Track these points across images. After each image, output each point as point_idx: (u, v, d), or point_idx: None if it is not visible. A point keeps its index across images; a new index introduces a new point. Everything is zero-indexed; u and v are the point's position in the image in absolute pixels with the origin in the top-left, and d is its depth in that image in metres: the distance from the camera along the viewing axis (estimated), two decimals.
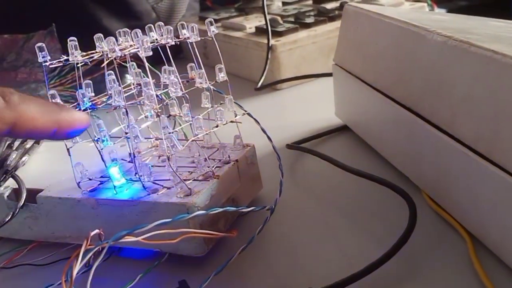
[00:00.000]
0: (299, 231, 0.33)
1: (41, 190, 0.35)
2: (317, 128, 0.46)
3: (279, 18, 0.66)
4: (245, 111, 0.35)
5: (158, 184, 0.31)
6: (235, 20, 0.70)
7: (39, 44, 0.32)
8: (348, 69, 0.43)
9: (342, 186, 0.37)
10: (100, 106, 0.33)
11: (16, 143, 0.40)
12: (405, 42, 0.35)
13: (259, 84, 0.57)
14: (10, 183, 0.36)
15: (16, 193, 0.35)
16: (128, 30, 0.34)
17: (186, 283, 0.27)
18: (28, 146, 0.41)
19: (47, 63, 0.32)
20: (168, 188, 0.30)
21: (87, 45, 0.63)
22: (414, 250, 0.28)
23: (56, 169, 0.37)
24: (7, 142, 0.41)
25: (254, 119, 0.35)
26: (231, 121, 0.33)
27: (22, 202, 0.34)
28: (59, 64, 0.32)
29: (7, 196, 0.35)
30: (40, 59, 0.32)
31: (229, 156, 0.34)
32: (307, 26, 0.61)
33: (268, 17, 0.62)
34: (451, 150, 0.29)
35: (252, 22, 0.68)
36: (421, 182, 0.33)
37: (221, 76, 0.33)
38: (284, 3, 0.76)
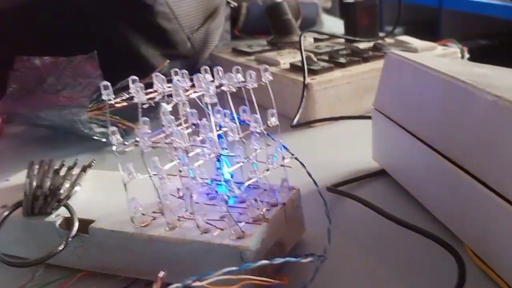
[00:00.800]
0: (345, 280, 0.33)
1: (91, 221, 0.36)
2: (354, 170, 0.47)
3: (312, 55, 0.68)
4: (292, 154, 0.36)
5: (211, 224, 0.32)
6: (268, 54, 0.72)
7: (105, 82, 0.33)
8: (389, 115, 0.44)
9: (385, 234, 0.38)
10: (159, 145, 0.34)
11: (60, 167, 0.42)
12: (453, 97, 0.36)
13: (295, 121, 0.58)
14: (61, 211, 0.37)
15: (67, 222, 0.37)
16: (186, 71, 0.35)
17: None
18: (74, 172, 0.42)
19: (112, 101, 0.33)
20: (221, 229, 0.31)
21: (122, 69, 0.65)
22: None
23: (104, 200, 0.38)
24: (54, 168, 0.42)
25: (301, 163, 0.37)
26: (281, 165, 0.34)
27: (74, 232, 0.35)
28: (123, 103, 0.34)
29: (59, 225, 0.36)
30: (104, 97, 0.33)
31: (276, 199, 0.35)
32: (342, 65, 0.63)
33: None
34: (499, 209, 0.30)
35: (286, 57, 0.69)
36: (465, 236, 0.34)
37: (273, 120, 0.35)
38: (316, 39, 0.78)
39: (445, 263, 0.32)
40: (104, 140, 0.61)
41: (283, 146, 0.35)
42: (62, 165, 0.43)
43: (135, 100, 0.34)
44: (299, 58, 0.68)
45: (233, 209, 0.34)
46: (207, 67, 0.36)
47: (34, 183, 0.38)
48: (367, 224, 0.39)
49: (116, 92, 0.67)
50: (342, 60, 0.64)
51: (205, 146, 0.32)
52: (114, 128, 0.33)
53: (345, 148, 0.54)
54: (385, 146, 0.45)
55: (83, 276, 0.36)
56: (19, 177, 0.45)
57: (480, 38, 2.53)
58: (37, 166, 0.43)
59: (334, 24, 1.37)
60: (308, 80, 0.60)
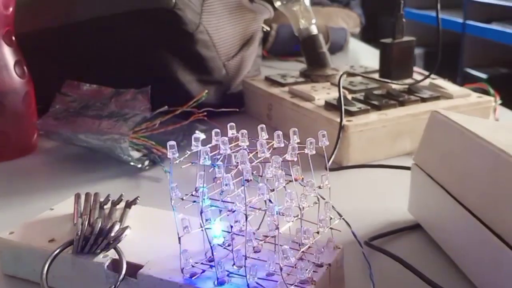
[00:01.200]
0: None
1: (139, 265, 0.37)
2: (388, 221, 0.48)
3: (347, 92, 0.69)
4: (341, 215, 0.37)
5: (260, 285, 0.33)
6: (302, 88, 0.73)
7: (171, 142, 0.34)
8: (429, 173, 0.45)
9: None
10: (218, 205, 0.35)
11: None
12: (503, 171, 0.36)
13: (329, 163, 0.59)
14: (109, 252, 0.38)
15: (114, 263, 0.38)
16: (245, 131, 0.36)
17: None
18: (119, 206, 0.43)
19: (176, 161, 0.34)
20: None
21: (159, 94, 0.67)
22: None
23: (152, 242, 0.39)
24: (99, 203, 0.43)
25: (347, 222, 0.38)
26: (330, 228, 0.35)
27: (123, 275, 0.36)
28: (188, 163, 0.34)
29: (107, 266, 0.37)
30: (169, 155, 0.34)
31: (319, 259, 0.35)
32: (378, 108, 0.64)
33: (336, 90, 0.64)
34: None
35: (320, 93, 0.70)
36: None
37: (326, 184, 0.36)
38: (348, 74, 0.79)
39: None
40: (139, 166, 0.62)
41: (332, 207, 0.36)
42: (107, 200, 0.45)
43: (201, 162, 0.34)
44: (334, 94, 0.69)
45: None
46: (264, 126, 0.37)
47: (86, 223, 0.39)
48: (403, 285, 0.40)
49: (154, 118, 0.69)
50: (378, 102, 0.64)
51: (261, 209, 0.33)
52: (173, 184, 0.34)
53: (379, 196, 0.55)
54: (423, 202, 0.46)
55: None
56: (63, 207, 0.47)
57: (501, 66, 2.53)
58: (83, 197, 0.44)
59: (360, 49, 1.38)
60: (344, 121, 0.60)
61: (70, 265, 0.38)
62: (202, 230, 0.35)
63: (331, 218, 0.36)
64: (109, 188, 0.54)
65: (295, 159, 0.34)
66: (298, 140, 0.36)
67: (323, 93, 0.70)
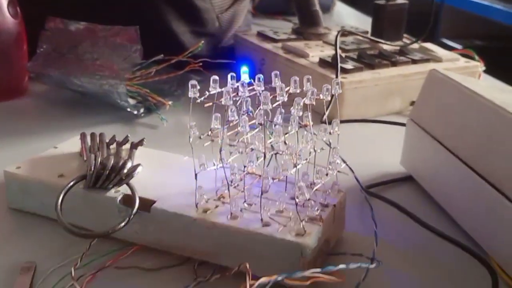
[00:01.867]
0: (383, 278, 0.37)
1: (152, 200, 0.38)
2: (381, 173, 0.51)
3: (340, 51, 0.70)
4: (345, 161, 0.39)
5: (274, 220, 0.35)
6: (296, 44, 0.74)
7: (193, 81, 0.35)
8: (425, 128, 0.47)
9: (417, 240, 0.41)
10: (235, 144, 0.36)
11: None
12: (498, 124, 0.39)
13: (325, 117, 0.61)
14: (121, 188, 0.39)
15: (126, 199, 0.39)
16: (261, 76, 0.37)
17: None
18: (125, 147, 0.44)
19: (197, 100, 0.35)
20: (284, 226, 0.34)
21: (151, 43, 0.66)
22: None
23: (161, 180, 0.41)
24: (105, 143, 0.44)
25: (350, 168, 0.40)
26: (338, 171, 0.37)
27: (135, 209, 0.37)
28: (209, 102, 0.35)
29: (119, 201, 0.39)
30: (190, 94, 0.35)
31: (325, 200, 0.37)
32: (371, 67, 0.65)
33: (330, 48, 0.66)
34: None
35: (314, 50, 0.72)
36: (495, 252, 0.37)
37: (336, 130, 0.37)
38: (344, 32, 0.79)
39: (475, 275, 0.36)
40: (135, 112, 0.62)
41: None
42: (113, 140, 0.45)
43: (223, 102, 0.35)
44: (327, 52, 0.71)
45: (288, 206, 0.37)
46: (277, 72, 0.38)
47: (99, 159, 0.40)
48: (398, 228, 0.42)
49: (149, 66, 0.69)
50: (371, 62, 0.66)
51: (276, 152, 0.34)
52: (192, 123, 0.35)
53: (372, 150, 0.57)
54: (417, 155, 0.49)
55: (137, 250, 0.38)
56: (67, 146, 0.47)
57: (476, 38, 2.58)
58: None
59: (345, 12, 1.39)
60: (339, 78, 0.62)
61: (81, 200, 0.39)
62: (219, 168, 0.36)
63: (337, 163, 0.38)
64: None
65: (314, 103, 0.35)
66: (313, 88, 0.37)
67: (316, 51, 0.71)
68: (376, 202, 0.45)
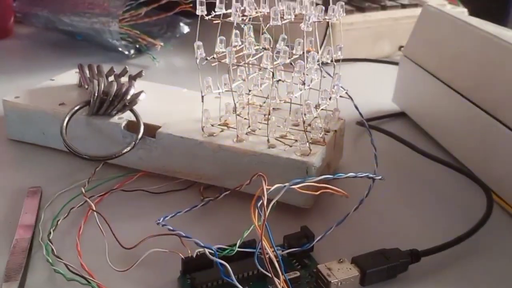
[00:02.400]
0: (385, 197, 0.38)
1: (156, 126, 0.38)
2: (374, 110, 0.52)
3: None
4: (345, 90, 0.40)
5: (279, 141, 0.36)
6: None
7: None
8: (419, 63, 0.48)
9: (413, 166, 0.43)
10: (243, 64, 0.36)
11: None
12: (493, 52, 0.40)
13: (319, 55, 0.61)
14: (124, 115, 0.40)
15: (130, 125, 0.39)
16: None
17: (308, 228, 0.32)
18: (123, 79, 0.44)
19: (206, 18, 0.35)
20: (290, 146, 0.35)
21: None
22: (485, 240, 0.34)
23: (164, 109, 0.41)
24: (115, 73, 0.44)
25: (350, 97, 0.40)
26: (341, 96, 0.38)
27: (140, 134, 0.38)
28: (217, 20, 0.35)
29: (123, 127, 0.39)
30: (198, 12, 0.35)
31: (327, 125, 0.38)
32: (362, 10, 0.66)
33: None
34: None
35: None
36: (491, 180, 0.38)
37: (339, 54, 0.38)
38: None
39: (472, 196, 0.37)
40: (126, 52, 0.62)
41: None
42: (112, 71, 0.45)
43: (232, 19, 0.35)
44: None
45: (293, 130, 0.37)
46: None
47: (102, 86, 0.39)
48: (394, 156, 0.44)
49: (139, 7, 0.67)
50: (362, 5, 0.66)
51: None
52: (199, 43, 0.35)
53: (363, 88, 0.58)
54: (410, 91, 0.50)
55: (143, 176, 0.39)
56: (64, 78, 0.47)
57: None
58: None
59: None
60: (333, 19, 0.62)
61: (84, 127, 0.39)
62: (224, 91, 0.36)
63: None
64: None
65: (310, 28, 0.35)
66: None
67: None
68: (368, 136, 0.46)
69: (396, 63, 0.63)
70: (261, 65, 0.35)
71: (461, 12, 0.72)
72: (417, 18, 0.50)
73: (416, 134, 0.48)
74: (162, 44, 0.63)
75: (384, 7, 0.67)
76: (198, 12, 0.35)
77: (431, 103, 0.46)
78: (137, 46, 0.64)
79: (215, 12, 0.35)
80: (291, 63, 0.36)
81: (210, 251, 0.28)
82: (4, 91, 0.44)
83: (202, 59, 0.35)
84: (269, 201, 0.27)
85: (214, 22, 0.35)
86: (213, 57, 0.36)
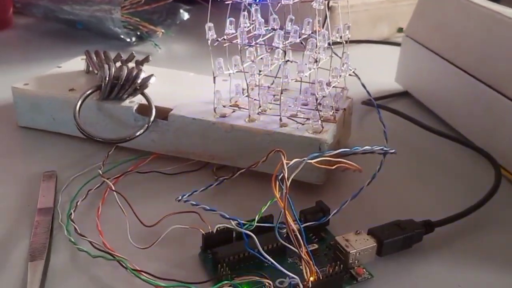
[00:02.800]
0: (394, 172, 0.39)
1: (168, 109, 0.39)
2: (378, 90, 0.52)
3: None
4: (353, 69, 0.40)
5: (292, 119, 0.36)
6: None
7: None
8: (422, 42, 0.48)
9: (421, 143, 0.43)
10: (255, 44, 0.36)
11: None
12: (496, 29, 0.41)
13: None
14: (135, 99, 0.40)
15: (141, 108, 0.39)
16: None
17: (323, 203, 0.32)
18: (130, 65, 0.44)
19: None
20: (302, 124, 0.36)
21: None
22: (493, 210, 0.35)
23: (173, 92, 0.41)
24: (122, 58, 0.44)
25: (357, 75, 0.41)
26: (350, 75, 0.39)
27: (153, 117, 0.38)
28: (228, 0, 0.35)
29: (135, 110, 0.39)
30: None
31: (337, 103, 0.39)
32: None
33: None
34: None
35: None
36: (497, 154, 0.39)
37: (347, 33, 0.38)
38: None
39: (479, 170, 0.38)
40: (128, 40, 0.62)
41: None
42: (119, 57, 0.45)
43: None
44: None
45: (303, 109, 0.38)
46: None
47: (113, 70, 0.40)
48: (400, 133, 0.44)
49: None
50: None
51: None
52: (210, 24, 0.36)
53: (364, 69, 0.59)
54: (413, 70, 0.50)
55: (155, 158, 0.39)
56: (71, 65, 0.47)
57: None
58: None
59: None
60: (331, 2, 0.63)
61: (96, 112, 0.40)
62: (235, 73, 0.37)
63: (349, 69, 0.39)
64: None
65: (322, 7, 0.36)
66: None
67: None
68: (373, 114, 0.47)
69: (396, 44, 0.64)
70: (273, 44, 0.35)
71: None
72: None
73: (421, 112, 0.48)
74: (163, 31, 0.64)
75: None
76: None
77: (435, 81, 0.47)
78: (138, 33, 0.64)
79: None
80: (301, 43, 0.36)
81: (237, 222, 0.28)
82: (10, 80, 0.44)
83: (214, 40, 0.36)
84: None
85: (226, 2, 0.35)
86: (224, 39, 0.36)
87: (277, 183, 0.26)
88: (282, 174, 0.27)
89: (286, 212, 0.26)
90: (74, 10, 0.61)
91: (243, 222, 0.30)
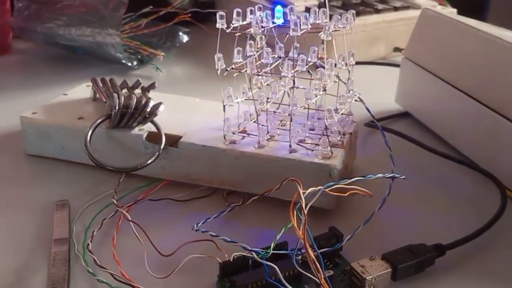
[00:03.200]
0: (401, 195, 0.39)
1: (177, 136, 0.39)
2: (377, 111, 0.53)
3: None
4: (358, 94, 0.41)
5: (301, 146, 0.37)
6: None
7: (221, 12, 0.36)
8: (421, 64, 0.49)
9: (423, 164, 0.44)
10: (264, 73, 0.37)
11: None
12: (495, 53, 0.42)
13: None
14: (144, 126, 0.41)
15: (150, 136, 0.40)
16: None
17: (336, 229, 0.33)
18: (137, 91, 0.45)
19: (227, 31, 0.36)
20: (311, 150, 0.36)
21: None
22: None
23: (181, 119, 0.42)
24: (128, 85, 0.45)
25: (361, 100, 0.42)
26: (355, 100, 0.40)
27: (163, 145, 0.39)
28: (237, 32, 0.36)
29: (145, 138, 0.40)
30: (218, 25, 0.36)
31: (343, 128, 0.40)
32: (357, 14, 0.67)
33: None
34: None
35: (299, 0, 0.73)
36: (501, 175, 0.39)
37: (351, 60, 0.39)
38: None
39: (485, 191, 0.39)
40: (130, 64, 0.63)
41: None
42: (125, 84, 0.46)
43: (252, 31, 0.36)
44: (311, 2, 0.72)
45: (311, 135, 0.39)
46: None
47: (122, 99, 0.40)
48: (404, 155, 0.45)
49: (138, 18, 0.68)
50: (356, 9, 0.68)
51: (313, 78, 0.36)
52: (220, 55, 0.36)
53: (364, 90, 0.60)
54: (413, 91, 0.51)
55: (166, 185, 0.40)
56: (77, 92, 0.48)
57: None
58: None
59: None
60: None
61: (105, 140, 0.40)
62: (244, 100, 0.37)
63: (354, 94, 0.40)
64: None
65: (330, 38, 0.37)
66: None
67: (300, 0, 0.73)
68: (376, 136, 0.48)
69: (394, 65, 0.65)
70: (282, 73, 0.36)
71: (451, 12, 0.74)
72: (416, 22, 0.51)
73: (422, 133, 0.49)
74: (163, 54, 0.64)
75: (377, 11, 0.69)
76: (218, 26, 0.36)
77: (436, 103, 0.48)
78: (139, 57, 0.65)
79: (232, 24, 0.37)
80: (308, 71, 0.37)
81: (258, 253, 0.29)
82: (13, 107, 0.45)
83: (223, 70, 0.36)
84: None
85: (236, 34, 0.36)
86: (232, 68, 0.37)
87: (295, 212, 0.27)
88: (299, 203, 0.27)
89: (305, 242, 0.26)
90: (73, 36, 0.61)
91: (257, 250, 0.30)
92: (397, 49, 0.70)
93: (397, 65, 0.64)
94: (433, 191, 0.41)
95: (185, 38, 0.69)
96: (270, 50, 0.38)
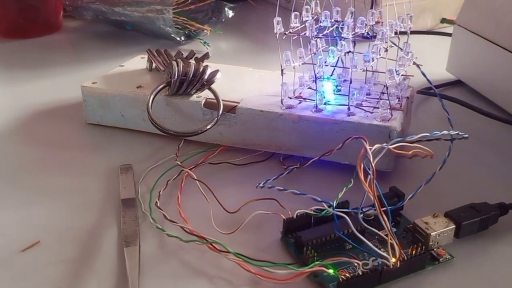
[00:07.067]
0: (457, 157, 0.39)
1: (234, 102, 0.40)
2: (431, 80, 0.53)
3: None
4: (416, 57, 0.41)
5: (360, 108, 0.37)
6: None
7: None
8: (474, 30, 0.49)
9: (479, 128, 0.44)
10: (321, 36, 0.38)
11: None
12: None
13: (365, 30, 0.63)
14: (202, 94, 0.42)
15: (208, 103, 0.41)
16: None
17: (397, 188, 0.33)
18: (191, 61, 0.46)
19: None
20: (371, 112, 0.37)
21: None
22: None
23: (235, 87, 0.43)
24: (182, 56, 0.46)
25: (417, 65, 0.42)
26: (413, 63, 0.40)
27: (221, 111, 0.40)
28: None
29: (203, 104, 0.41)
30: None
31: (400, 92, 0.40)
32: None
33: None
34: None
35: None
36: None
37: (409, 23, 0.39)
38: None
39: None
40: (178, 39, 0.64)
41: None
42: (179, 54, 0.47)
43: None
44: None
45: (370, 98, 0.39)
46: None
47: (181, 67, 0.41)
48: (459, 120, 0.45)
49: None
50: None
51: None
52: (278, 18, 0.37)
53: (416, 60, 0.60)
54: (466, 58, 0.51)
55: (223, 150, 0.41)
56: (132, 64, 0.49)
57: None
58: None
59: None
60: None
61: (164, 107, 0.41)
62: (300, 64, 0.38)
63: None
64: None
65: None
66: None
67: None
68: (429, 103, 0.48)
69: (443, 34, 0.64)
70: (342, 35, 0.36)
71: None
72: None
73: (476, 100, 0.49)
74: (211, 29, 0.65)
75: None
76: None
77: (490, 69, 0.48)
78: (186, 32, 0.65)
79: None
80: (367, 33, 0.38)
81: (328, 204, 0.30)
82: (73, 78, 0.46)
83: (281, 34, 0.37)
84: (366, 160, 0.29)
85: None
86: (290, 32, 0.37)
87: (362, 165, 0.27)
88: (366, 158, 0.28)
89: (375, 196, 0.27)
90: (125, 11, 0.63)
91: (320, 208, 0.31)
92: (444, 20, 0.69)
93: (445, 34, 0.63)
94: (490, 154, 0.41)
95: (230, 14, 0.69)
96: (329, 13, 0.38)
